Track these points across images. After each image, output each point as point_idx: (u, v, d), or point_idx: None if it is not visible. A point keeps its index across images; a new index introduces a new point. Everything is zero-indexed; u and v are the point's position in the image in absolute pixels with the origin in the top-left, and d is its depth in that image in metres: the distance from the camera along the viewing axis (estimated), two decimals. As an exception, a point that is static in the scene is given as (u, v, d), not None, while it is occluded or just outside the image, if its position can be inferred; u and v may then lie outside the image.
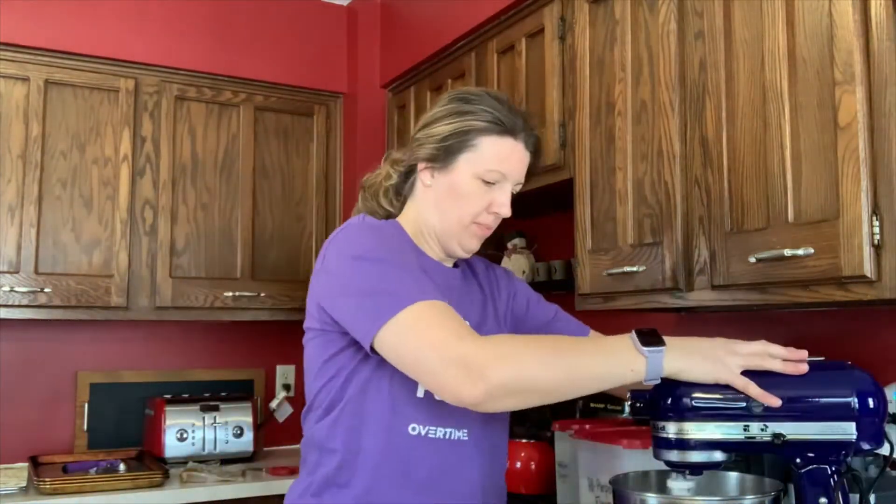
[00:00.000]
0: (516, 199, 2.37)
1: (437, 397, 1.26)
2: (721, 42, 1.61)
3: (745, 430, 1.16)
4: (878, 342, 1.68)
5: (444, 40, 2.65)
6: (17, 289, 2.61)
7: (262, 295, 3.00)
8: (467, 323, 1.22)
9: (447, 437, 1.30)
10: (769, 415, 1.15)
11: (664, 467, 1.25)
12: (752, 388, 1.14)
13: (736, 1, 1.58)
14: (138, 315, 2.81)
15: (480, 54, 2.50)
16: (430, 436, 1.29)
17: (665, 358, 1.13)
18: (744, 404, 1.15)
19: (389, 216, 1.45)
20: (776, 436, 1.15)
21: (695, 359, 1.15)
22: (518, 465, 2.15)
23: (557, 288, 2.39)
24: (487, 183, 1.35)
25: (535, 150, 1.42)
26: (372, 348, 1.21)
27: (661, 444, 1.21)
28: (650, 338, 1.14)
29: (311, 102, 3.21)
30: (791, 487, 1.24)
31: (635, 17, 1.83)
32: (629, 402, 1.24)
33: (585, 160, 1.97)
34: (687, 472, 1.22)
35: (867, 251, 1.30)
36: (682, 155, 1.69)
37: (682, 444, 1.18)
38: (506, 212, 1.38)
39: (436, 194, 1.39)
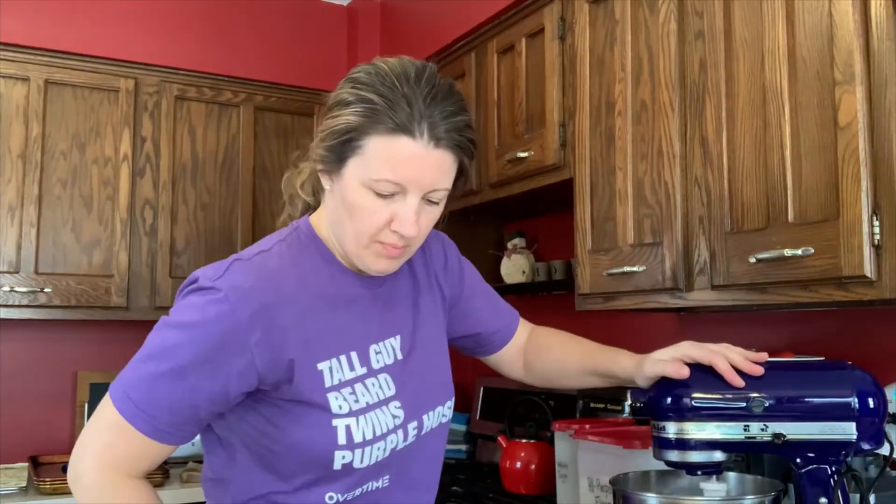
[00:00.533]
0: (517, 199, 2.39)
1: (356, 466, 1.10)
2: (721, 42, 1.61)
3: (745, 430, 1.16)
4: (878, 342, 1.68)
5: (444, 40, 2.65)
6: (17, 289, 2.62)
7: (262, 295, 2.99)
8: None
9: (366, 490, 1.14)
10: (769, 415, 1.15)
11: (665, 467, 1.25)
12: (684, 370, 1.15)
13: (736, 1, 1.58)
14: (138, 315, 2.81)
15: (480, 54, 2.51)
16: (349, 500, 1.12)
17: None
18: (744, 404, 1.15)
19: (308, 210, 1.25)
20: (776, 436, 1.15)
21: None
22: (518, 465, 2.15)
23: (557, 288, 2.40)
24: (381, 195, 1.04)
25: (457, 144, 1.06)
26: None
27: (662, 444, 1.21)
28: None
29: (311, 102, 3.21)
30: (791, 487, 1.24)
31: (635, 17, 1.83)
32: (629, 403, 1.24)
33: (585, 160, 1.97)
34: (716, 474, 1.21)
35: (867, 251, 1.30)
36: (682, 155, 1.69)
37: (683, 445, 1.18)
38: (407, 230, 1.05)
39: (333, 204, 1.11)
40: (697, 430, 1.17)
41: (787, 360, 1.26)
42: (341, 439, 1.07)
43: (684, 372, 1.17)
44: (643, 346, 1.33)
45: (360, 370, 1.12)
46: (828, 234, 1.36)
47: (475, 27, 2.48)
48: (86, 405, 2.99)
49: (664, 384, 1.19)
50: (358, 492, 1.12)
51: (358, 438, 1.08)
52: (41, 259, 2.68)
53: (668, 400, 1.18)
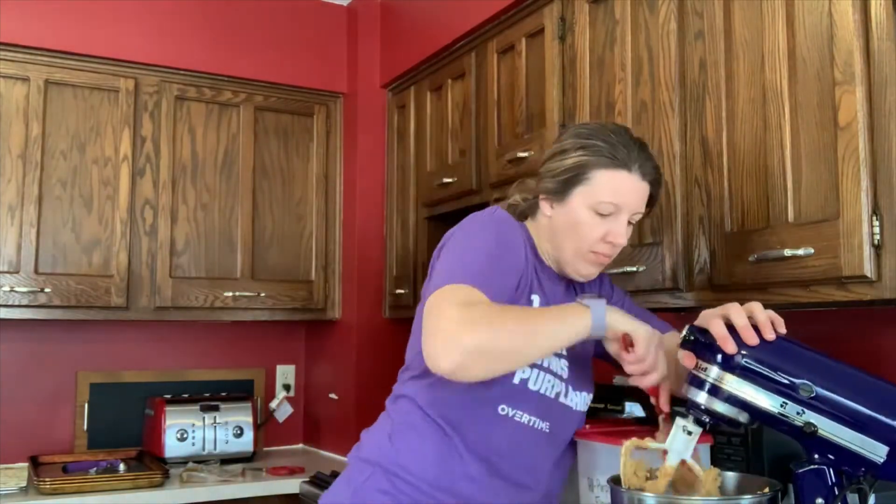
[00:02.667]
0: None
1: (530, 386, 1.40)
2: (721, 42, 1.61)
3: (782, 406, 1.14)
4: (878, 342, 1.68)
5: (444, 40, 2.65)
6: (17, 289, 2.62)
7: (262, 295, 3.00)
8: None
9: (531, 424, 1.41)
10: (812, 403, 1.13)
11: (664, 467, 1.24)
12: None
13: (736, 1, 1.58)
14: (138, 315, 2.81)
15: (480, 54, 2.50)
16: (516, 419, 1.40)
17: (606, 310, 1.29)
18: (793, 382, 1.13)
19: None
20: (809, 424, 1.13)
21: (629, 316, 1.33)
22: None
23: (557, 288, 2.39)
24: (601, 214, 1.40)
25: (654, 180, 1.44)
26: None
27: (696, 382, 1.19)
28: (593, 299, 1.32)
29: (311, 102, 3.21)
30: (791, 487, 1.24)
31: (635, 17, 1.83)
32: (683, 333, 1.23)
33: (585, 160, 1.96)
34: (706, 420, 1.20)
35: (867, 251, 1.30)
36: (682, 155, 1.69)
37: (715, 392, 1.17)
38: (621, 241, 1.42)
39: (553, 225, 1.46)
40: (736, 385, 1.16)
41: (853, 366, 1.24)
42: None
43: (717, 329, 1.19)
44: (643, 346, 1.33)
45: None
46: (828, 234, 1.36)
47: (475, 27, 2.48)
48: (86, 405, 2.99)
49: (727, 332, 1.17)
50: (525, 418, 1.41)
51: (538, 360, 1.40)
52: (41, 259, 2.68)
53: (720, 353, 1.17)
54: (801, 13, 1.44)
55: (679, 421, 1.23)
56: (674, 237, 1.69)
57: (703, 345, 1.20)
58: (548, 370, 1.42)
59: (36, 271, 2.66)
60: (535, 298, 1.44)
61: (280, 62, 3.12)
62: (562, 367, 1.45)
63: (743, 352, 1.16)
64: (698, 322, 1.23)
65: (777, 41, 1.48)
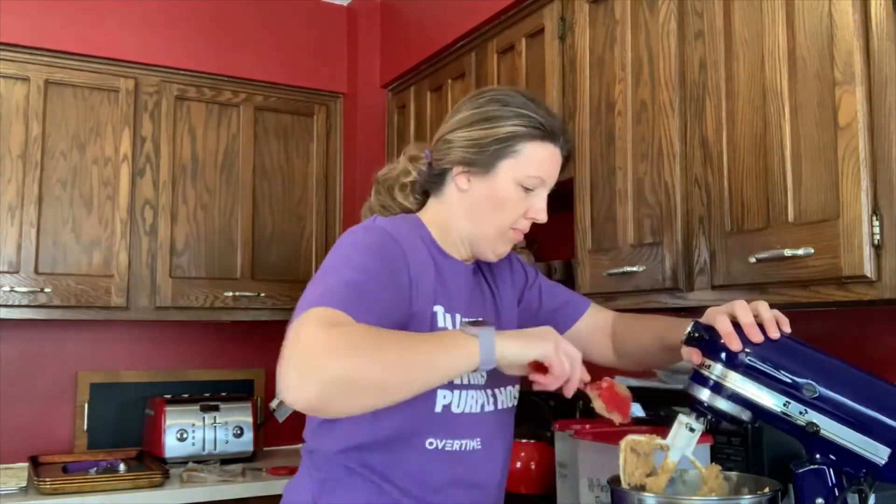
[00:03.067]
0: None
1: (454, 410, 1.27)
2: (721, 42, 1.61)
3: (785, 405, 1.14)
4: (878, 342, 1.68)
5: (444, 40, 2.65)
6: (17, 289, 2.62)
7: (262, 295, 3.00)
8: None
9: (464, 448, 1.29)
10: (815, 403, 1.13)
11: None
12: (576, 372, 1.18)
13: (736, 1, 1.58)
14: (138, 315, 2.81)
15: (480, 54, 2.50)
16: (447, 449, 1.27)
17: (496, 337, 1.13)
18: (797, 382, 1.13)
19: (405, 211, 1.43)
20: (811, 424, 1.13)
21: (524, 339, 1.17)
22: (518, 465, 2.15)
23: (557, 288, 2.39)
24: (527, 189, 1.33)
25: (569, 153, 1.39)
26: None
27: (699, 380, 1.19)
28: (480, 325, 1.17)
29: (311, 102, 3.21)
30: (791, 487, 1.24)
31: (635, 17, 1.83)
32: (688, 330, 1.21)
33: (585, 160, 1.97)
34: (709, 416, 1.19)
35: (867, 251, 1.30)
36: (682, 155, 1.69)
37: (718, 389, 1.17)
38: (542, 217, 1.36)
39: (472, 200, 1.34)
40: (740, 383, 1.16)
41: (857, 367, 1.24)
42: None
43: (723, 326, 1.17)
44: (643, 346, 1.33)
45: None
46: (828, 234, 1.36)
47: (475, 27, 2.48)
48: (86, 405, 2.99)
49: (732, 331, 1.17)
50: (456, 445, 1.28)
51: (456, 380, 1.25)
52: (41, 259, 2.68)
53: (728, 350, 1.17)
54: (801, 13, 1.44)
55: (682, 418, 1.22)
56: (674, 237, 1.69)
57: (707, 342, 1.20)
58: (468, 386, 1.29)
59: (36, 271, 2.66)
60: (439, 310, 1.28)
61: (280, 62, 3.12)
62: (479, 375, 1.31)
63: (747, 350, 1.16)
64: (704, 319, 1.23)
65: (777, 41, 1.48)
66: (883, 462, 1.12)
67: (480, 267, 1.46)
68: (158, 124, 2.90)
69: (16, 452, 2.83)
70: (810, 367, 1.15)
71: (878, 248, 1.30)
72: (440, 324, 1.27)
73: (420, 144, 1.45)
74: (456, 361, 1.11)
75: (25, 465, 2.76)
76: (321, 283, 1.14)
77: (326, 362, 1.00)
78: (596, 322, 1.53)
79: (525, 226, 1.37)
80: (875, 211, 1.30)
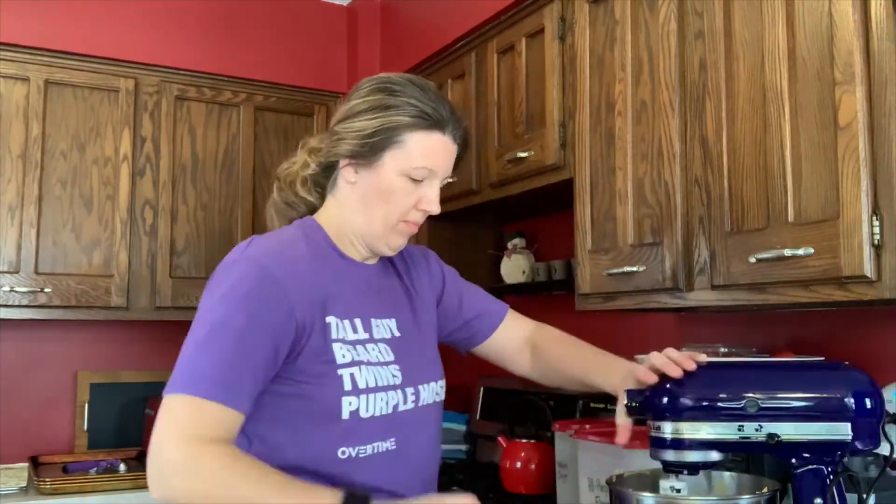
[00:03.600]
0: (517, 199, 2.39)
1: (362, 415, 1.22)
2: (721, 42, 1.61)
3: (739, 430, 1.16)
4: (878, 342, 1.68)
5: (444, 40, 2.65)
6: (17, 289, 2.62)
7: (262, 295, 2.99)
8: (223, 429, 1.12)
9: (376, 451, 1.24)
10: (764, 415, 1.15)
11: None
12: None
13: (736, 1, 1.58)
14: (138, 315, 2.81)
15: (480, 54, 2.50)
16: (361, 456, 1.22)
17: None
18: (739, 404, 1.15)
19: (311, 207, 1.39)
20: (770, 436, 1.14)
21: None
22: (518, 465, 2.15)
23: (557, 288, 2.40)
24: (415, 180, 1.28)
25: (464, 142, 1.34)
26: None
27: (658, 443, 1.21)
28: (357, 500, 1.06)
29: (311, 102, 3.21)
30: (790, 488, 1.24)
31: (635, 17, 1.83)
32: (625, 402, 1.23)
33: (585, 160, 1.97)
34: (683, 472, 1.21)
35: (867, 251, 1.30)
36: (682, 155, 1.69)
37: (678, 444, 1.18)
38: (434, 209, 1.30)
39: (360, 193, 1.30)
40: (692, 431, 1.17)
41: (781, 360, 1.26)
42: (346, 385, 1.21)
43: (650, 379, 1.21)
44: (643, 346, 1.34)
45: (363, 335, 1.28)
46: (828, 234, 1.36)
47: (475, 27, 2.48)
48: (86, 405, 2.99)
49: (660, 384, 1.19)
50: (369, 449, 1.23)
51: (361, 385, 1.22)
52: (41, 259, 2.68)
53: (664, 400, 1.18)
54: (801, 13, 1.44)
55: (664, 483, 1.23)
56: (674, 237, 1.69)
57: (646, 403, 1.21)
58: (376, 389, 1.24)
59: (36, 271, 2.66)
60: (332, 320, 1.24)
61: (280, 62, 3.12)
62: (391, 375, 1.27)
63: (686, 394, 1.17)
64: (629, 388, 1.24)
65: (777, 41, 1.48)
66: (850, 436, 1.13)
67: (396, 266, 1.43)
68: (158, 124, 2.90)
69: (16, 452, 2.83)
70: (741, 383, 1.17)
71: (878, 248, 1.30)
72: (334, 335, 1.22)
73: (321, 136, 1.40)
74: None
75: (25, 465, 2.76)
76: (195, 354, 1.13)
77: (174, 486, 1.07)
78: (514, 334, 1.52)
79: (417, 217, 1.31)
80: (875, 211, 1.30)
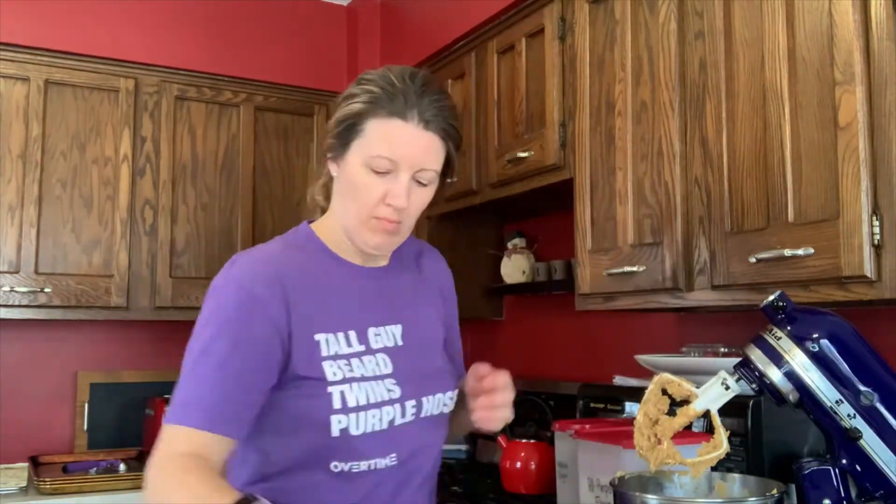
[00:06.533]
0: (517, 199, 2.39)
1: (353, 433, 1.18)
2: (721, 42, 1.61)
3: (837, 402, 1.13)
4: (878, 342, 1.67)
5: (444, 40, 2.65)
6: (17, 289, 2.61)
7: (262, 295, 2.99)
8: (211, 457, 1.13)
9: (374, 468, 1.21)
10: (867, 412, 1.12)
11: (666, 468, 1.24)
12: None
13: (736, 1, 1.58)
14: (138, 315, 2.81)
15: (480, 54, 2.50)
16: (354, 471, 1.20)
17: None
18: (857, 389, 1.12)
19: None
20: (855, 430, 1.12)
21: None
22: (518, 465, 2.15)
23: (557, 288, 2.40)
24: (378, 172, 1.19)
25: (442, 130, 1.21)
26: None
27: (762, 345, 1.17)
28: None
29: (311, 102, 3.21)
30: (792, 488, 1.24)
31: (635, 17, 1.83)
32: (772, 298, 1.19)
33: (585, 160, 1.97)
34: (754, 387, 1.18)
35: (867, 251, 1.30)
36: (682, 155, 1.69)
37: (779, 361, 1.15)
38: (399, 203, 1.19)
39: (338, 187, 1.26)
40: (803, 364, 1.14)
41: None
42: (336, 404, 1.17)
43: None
44: (643, 346, 1.33)
45: (358, 347, 1.23)
46: (828, 234, 1.36)
47: (475, 27, 2.48)
48: (86, 405, 2.99)
49: None
50: (363, 465, 1.20)
51: (352, 403, 1.18)
52: (41, 259, 2.68)
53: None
54: (801, 13, 1.44)
55: (722, 373, 1.20)
56: (674, 237, 1.69)
57: (785, 313, 1.17)
58: (367, 406, 1.19)
59: (36, 271, 2.66)
60: (321, 338, 1.20)
61: (280, 62, 3.12)
62: (386, 390, 1.22)
63: (822, 338, 1.14)
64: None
65: (777, 41, 1.48)
66: None
67: (420, 265, 1.38)
68: (158, 124, 2.90)
69: (16, 452, 2.83)
70: (875, 377, 1.14)
71: (878, 248, 1.30)
72: (324, 352, 1.19)
73: None
74: None
75: (25, 465, 2.76)
76: (184, 383, 1.15)
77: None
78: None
79: (386, 213, 1.20)
80: (875, 211, 1.30)
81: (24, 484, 2.48)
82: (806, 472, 1.15)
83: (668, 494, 1.30)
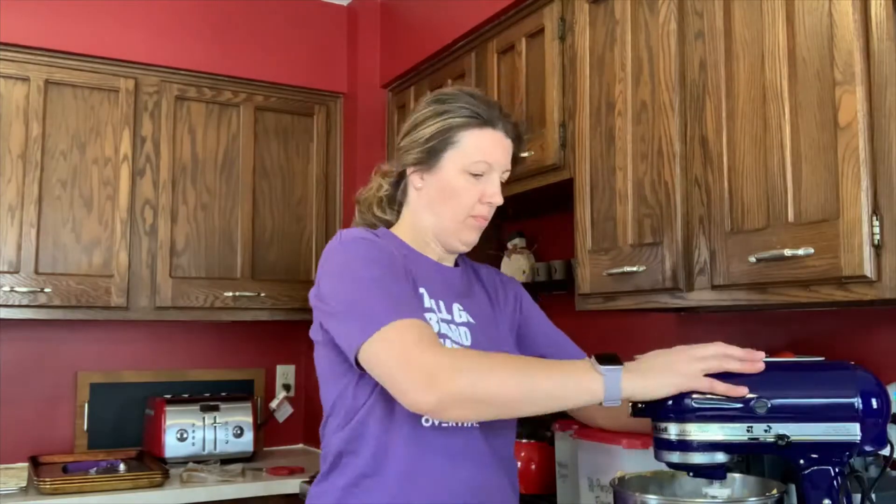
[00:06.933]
0: (517, 199, 2.39)
1: None
2: (721, 42, 1.61)
3: (748, 430, 1.15)
4: (878, 342, 1.68)
5: (444, 40, 2.65)
6: (17, 289, 2.62)
7: (262, 295, 3.00)
8: (441, 338, 1.29)
9: (459, 424, 1.33)
10: (773, 416, 1.14)
11: (664, 468, 1.25)
12: (718, 387, 1.15)
13: (736, 1, 1.58)
14: (138, 315, 2.81)
15: (480, 54, 2.50)
16: (443, 425, 1.32)
17: (623, 378, 1.15)
18: (747, 405, 1.15)
19: (388, 226, 1.52)
20: (780, 437, 1.14)
21: (652, 375, 1.17)
22: (518, 465, 2.15)
23: (557, 288, 2.40)
24: (475, 175, 1.41)
25: (517, 137, 1.48)
26: (358, 364, 1.25)
27: (663, 445, 1.20)
28: (608, 360, 1.18)
29: (311, 102, 3.21)
30: (792, 488, 1.24)
31: (635, 17, 1.83)
32: (630, 403, 1.23)
33: (585, 160, 1.97)
34: (721, 477, 1.21)
35: (867, 251, 1.30)
36: (682, 155, 1.69)
37: (684, 446, 1.18)
38: (498, 200, 1.43)
39: (428, 196, 1.44)
40: (699, 432, 1.16)
41: (790, 361, 1.26)
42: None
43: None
44: (643, 345, 1.33)
45: (446, 315, 1.39)
46: (828, 234, 1.36)
47: (475, 27, 2.48)
48: (86, 405, 2.99)
49: None
50: (451, 422, 1.31)
51: (449, 344, 1.33)
52: (41, 259, 2.68)
53: (670, 401, 1.18)
54: (801, 13, 1.44)
55: (707, 489, 1.23)
56: (674, 237, 1.69)
57: (652, 407, 1.20)
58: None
59: (36, 271, 2.66)
60: (423, 292, 1.39)
61: (280, 62, 3.12)
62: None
63: (694, 395, 1.17)
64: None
65: (777, 41, 1.48)
66: (859, 437, 1.13)
67: (479, 278, 1.55)
68: (158, 124, 2.90)
69: (16, 452, 2.84)
70: (753, 383, 1.16)
71: (878, 248, 1.30)
72: (426, 304, 1.36)
73: (391, 161, 1.54)
74: (580, 393, 1.17)
75: (25, 465, 2.77)
76: (360, 302, 1.25)
77: (454, 381, 1.15)
78: None
79: (484, 211, 1.44)
80: (875, 211, 1.30)
81: (24, 484, 2.49)
82: (806, 472, 1.16)
83: (668, 494, 1.30)
